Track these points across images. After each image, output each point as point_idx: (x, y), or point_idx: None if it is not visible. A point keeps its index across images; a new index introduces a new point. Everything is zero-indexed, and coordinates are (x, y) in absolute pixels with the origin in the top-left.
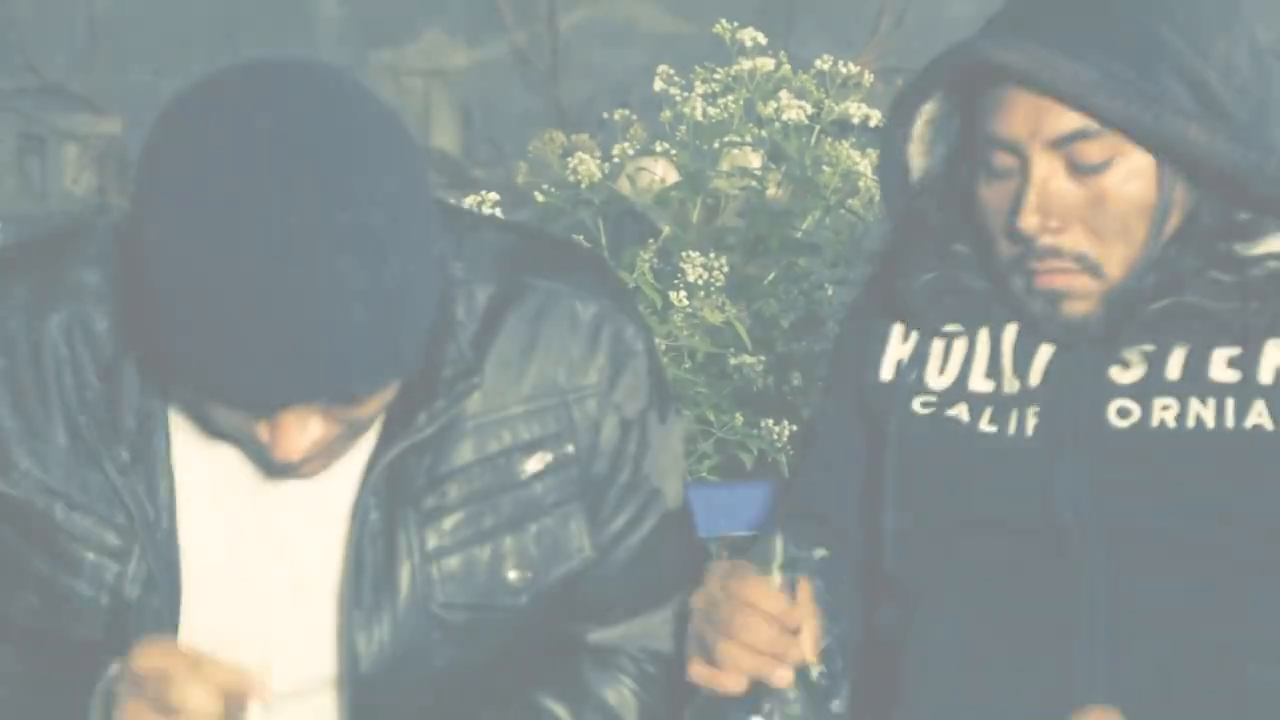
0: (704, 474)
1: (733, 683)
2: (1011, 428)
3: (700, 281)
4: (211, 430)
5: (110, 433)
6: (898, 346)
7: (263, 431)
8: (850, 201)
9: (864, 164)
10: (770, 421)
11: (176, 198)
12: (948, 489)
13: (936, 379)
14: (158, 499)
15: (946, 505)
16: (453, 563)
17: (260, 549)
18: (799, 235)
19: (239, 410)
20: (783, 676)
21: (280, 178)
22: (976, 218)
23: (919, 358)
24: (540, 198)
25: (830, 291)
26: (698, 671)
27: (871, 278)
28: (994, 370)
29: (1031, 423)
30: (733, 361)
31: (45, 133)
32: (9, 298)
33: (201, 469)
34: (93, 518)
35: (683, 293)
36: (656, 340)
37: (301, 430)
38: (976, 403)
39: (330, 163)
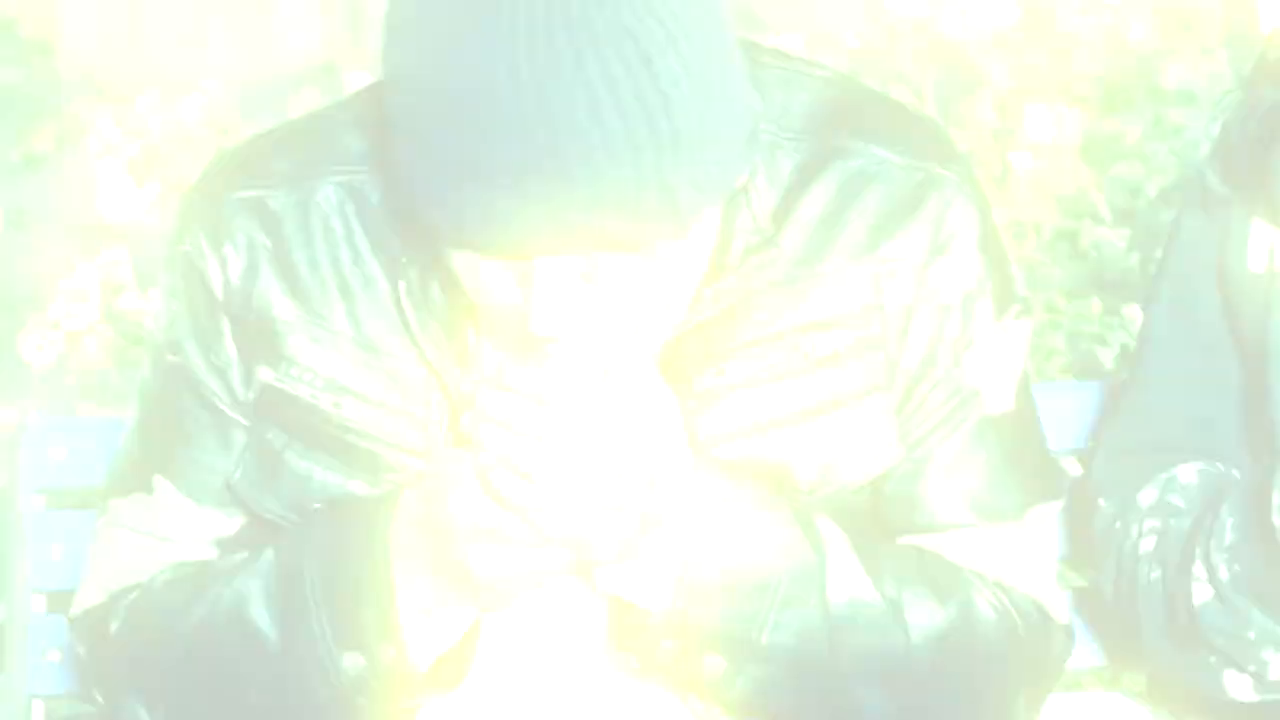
0: (1053, 374)
1: None
2: None
3: (1048, 140)
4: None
5: (422, 304)
6: (1267, 232)
7: (523, 301)
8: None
9: None
10: (1136, 308)
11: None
12: None
13: None
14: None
15: None
16: (729, 454)
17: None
18: (1169, 82)
19: (493, 255)
20: None
21: None
22: None
23: None
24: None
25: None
26: None
27: (1219, 143)
28: None
29: None
30: (1088, 237)
31: None
32: (268, 174)
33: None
34: (384, 410)
35: (1026, 154)
36: (995, 212)
37: (559, 291)
38: None
39: None
